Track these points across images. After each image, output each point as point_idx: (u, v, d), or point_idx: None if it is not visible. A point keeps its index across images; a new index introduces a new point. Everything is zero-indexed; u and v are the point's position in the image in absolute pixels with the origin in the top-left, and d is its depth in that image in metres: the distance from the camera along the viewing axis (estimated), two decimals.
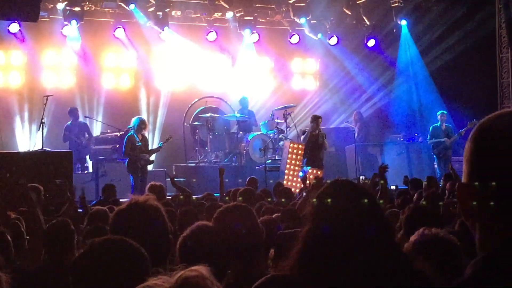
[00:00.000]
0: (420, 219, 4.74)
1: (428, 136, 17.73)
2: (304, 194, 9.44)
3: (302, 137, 16.45)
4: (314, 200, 2.57)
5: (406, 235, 4.71)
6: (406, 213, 4.99)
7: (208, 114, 17.84)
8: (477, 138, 1.65)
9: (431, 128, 17.68)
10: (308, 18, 20.14)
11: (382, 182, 8.83)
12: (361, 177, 13.63)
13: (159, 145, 15.81)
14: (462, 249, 3.58)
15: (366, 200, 2.51)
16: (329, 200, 2.51)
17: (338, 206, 2.49)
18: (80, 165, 16.15)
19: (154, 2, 18.55)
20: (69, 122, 16.72)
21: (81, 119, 17.30)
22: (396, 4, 20.39)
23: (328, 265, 2.38)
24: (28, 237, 5.64)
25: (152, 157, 15.25)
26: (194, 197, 9.47)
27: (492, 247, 1.59)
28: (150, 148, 15.24)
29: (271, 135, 17.61)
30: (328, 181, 2.67)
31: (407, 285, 2.08)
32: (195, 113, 18.47)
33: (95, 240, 2.57)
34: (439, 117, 17.55)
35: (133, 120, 14.91)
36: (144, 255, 2.52)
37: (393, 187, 12.18)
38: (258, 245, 3.70)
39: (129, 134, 14.83)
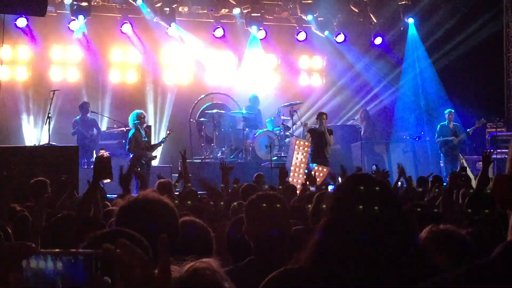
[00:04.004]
0: (421, 216, 4.77)
1: (436, 135, 17.71)
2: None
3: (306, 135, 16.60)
4: (335, 191, 2.58)
5: None
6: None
7: (214, 110, 17.83)
8: None
9: (438, 126, 17.67)
10: (315, 15, 20.12)
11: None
12: (373, 167, 13.61)
13: (161, 140, 15.94)
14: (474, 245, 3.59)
15: (384, 194, 2.51)
16: (350, 191, 2.51)
17: (357, 199, 2.48)
18: (86, 161, 16.17)
19: None
20: (78, 117, 16.77)
21: (89, 114, 17.34)
22: (403, 2, 20.37)
23: (345, 257, 2.38)
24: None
25: (155, 153, 15.27)
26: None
27: None
28: (153, 143, 15.35)
29: (277, 132, 17.61)
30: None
31: (423, 278, 2.08)
32: (201, 109, 18.46)
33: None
34: (447, 115, 17.53)
35: (132, 116, 15.05)
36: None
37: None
38: (285, 235, 3.70)
39: (133, 130, 14.91)
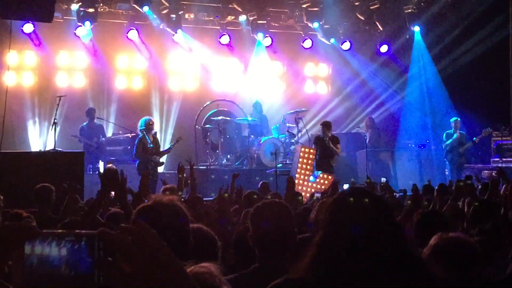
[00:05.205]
0: (430, 224, 4.76)
1: (442, 143, 17.69)
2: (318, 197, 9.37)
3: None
4: (329, 205, 2.57)
5: (416, 239, 4.71)
6: (415, 218, 5.01)
7: (220, 117, 17.85)
8: None
9: (444, 134, 17.65)
10: (321, 23, 20.13)
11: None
12: (382, 179, 13.43)
13: (169, 146, 15.98)
14: (482, 253, 3.59)
15: (377, 205, 2.51)
16: (345, 206, 2.51)
17: (354, 212, 2.48)
18: (91, 166, 16.19)
19: (168, 5, 18.60)
20: (85, 124, 16.80)
21: (95, 120, 17.36)
22: (409, 10, 20.37)
23: (342, 269, 2.38)
24: None
25: (162, 159, 15.29)
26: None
27: None
28: (161, 149, 15.41)
29: (282, 139, 17.60)
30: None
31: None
32: (206, 116, 18.48)
33: None
34: (452, 123, 17.51)
35: (140, 122, 15.11)
36: None
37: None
38: (290, 243, 3.70)
39: (140, 136, 14.97)
